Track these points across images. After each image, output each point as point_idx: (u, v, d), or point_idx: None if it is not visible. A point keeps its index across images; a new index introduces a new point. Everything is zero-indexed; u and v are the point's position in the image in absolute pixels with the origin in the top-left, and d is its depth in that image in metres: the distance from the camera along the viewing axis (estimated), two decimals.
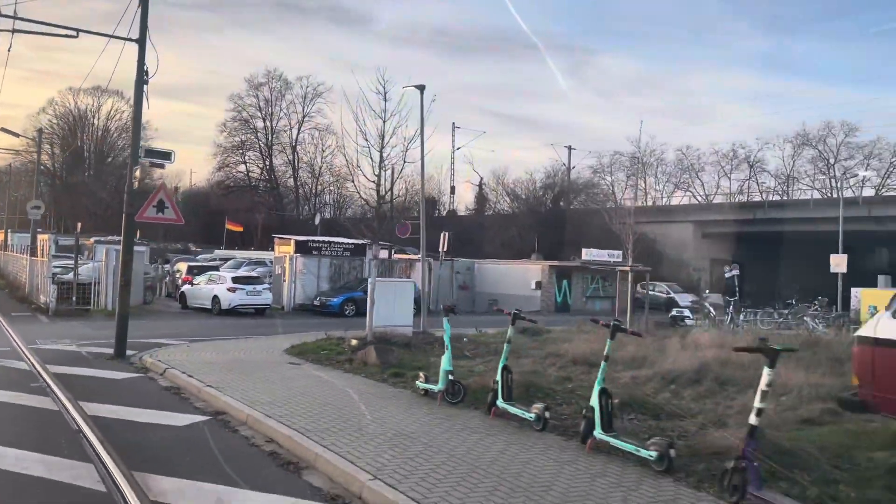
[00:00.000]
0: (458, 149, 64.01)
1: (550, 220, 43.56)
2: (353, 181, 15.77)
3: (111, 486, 5.60)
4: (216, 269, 28.43)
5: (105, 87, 64.40)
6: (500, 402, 8.06)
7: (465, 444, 6.93)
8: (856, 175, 46.23)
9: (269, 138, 65.14)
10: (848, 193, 40.57)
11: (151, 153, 13.43)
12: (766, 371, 5.36)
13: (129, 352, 13.36)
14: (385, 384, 10.36)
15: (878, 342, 6.62)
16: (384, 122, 14.08)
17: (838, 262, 29.43)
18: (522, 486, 5.66)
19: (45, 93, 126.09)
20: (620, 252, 30.38)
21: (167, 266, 34.48)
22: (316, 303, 25.76)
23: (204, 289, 24.74)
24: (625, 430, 7.20)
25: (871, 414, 6.87)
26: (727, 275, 34.26)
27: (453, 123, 66.16)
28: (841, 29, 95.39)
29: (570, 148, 62.12)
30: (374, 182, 14.42)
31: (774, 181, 67.51)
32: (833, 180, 61.96)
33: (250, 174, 66.60)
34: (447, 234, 29.50)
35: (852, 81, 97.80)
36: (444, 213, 62.02)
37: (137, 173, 13.41)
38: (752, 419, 5.41)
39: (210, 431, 7.76)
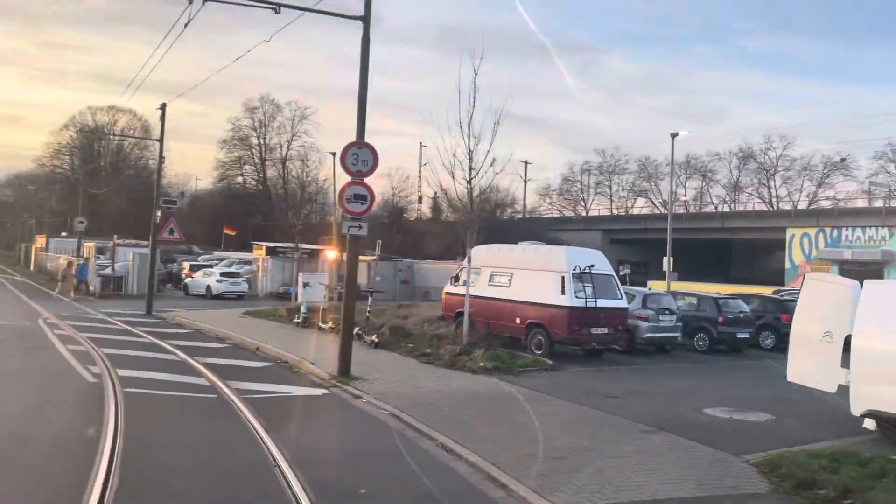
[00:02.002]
0: (426, 164, 74.78)
1: (484, 228, 54.58)
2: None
3: (215, 387, 16.48)
4: (211, 266, 39.28)
5: (119, 106, 75.59)
6: (320, 323, 18.93)
7: (301, 333, 17.85)
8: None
9: (263, 154, 76.18)
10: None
11: (168, 201, 24.42)
12: (369, 300, 16.28)
13: (153, 313, 24.40)
14: (290, 326, 21.23)
15: (447, 293, 17.59)
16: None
17: (666, 262, 40.17)
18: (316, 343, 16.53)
19: (53, 92, 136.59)
20: None
21: (173, 265, 45.39)
22: (280, 290, 36.62)
23: (200, 280, 35.68)
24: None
25: (443, 320, 17.84)
26: (621, 273, 45.58)
27: (420, 143, 76.89)
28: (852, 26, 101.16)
29: (526, 163, 73.08)
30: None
31: (724, 190, 78.53)
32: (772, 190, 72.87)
33: (246, 185, 77.62)
34: (379, 241, 40.31)
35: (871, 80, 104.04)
36: (411, 219, 72.85)
37: (159, 213, 24.39)
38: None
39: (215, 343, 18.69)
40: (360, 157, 12.45)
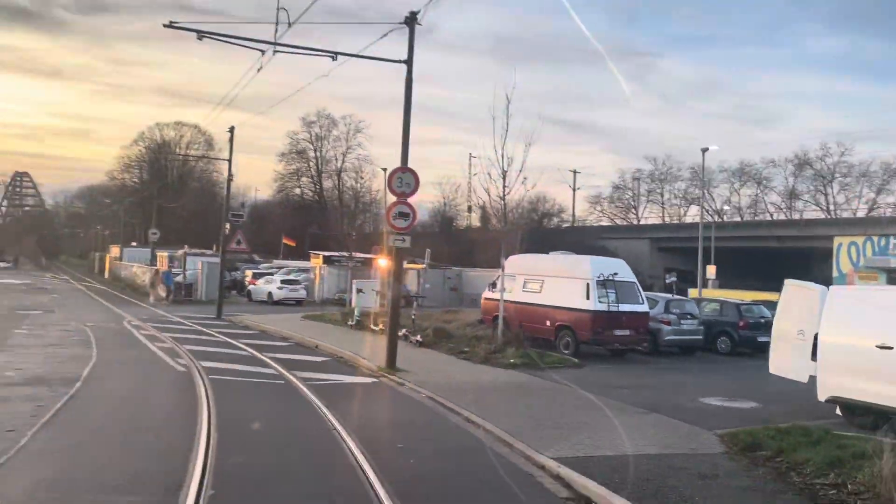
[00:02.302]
0: (475, 175, 76.91)
1: (529, 237, 56.21)
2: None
3: (283, 376, 18.93)
4: (272, 274, 42.12)
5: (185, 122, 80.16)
6: (372, 325, 21.11)
7: (363, 334, 20.08)
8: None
9: (319, 166, 79.52)
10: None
11: (235, 214, 27.07)
12: (414, 307, 18.35)
13: (223, 317, 27.05)
14: (344, 328, 23.49)
15: (485, 298, 19.54)
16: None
17: (711, 271, 41.08)
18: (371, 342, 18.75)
19: (119, 106, 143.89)
20: None
21: (236, 272, 48.55)
22: (336, 297, 39.14)
23: (262, 287, 38.49)
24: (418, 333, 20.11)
25: (482, 323, 19.74)
26: (667, 281, 46.87)
27: (470, 154, 78.98)
28: None
29: (574, 171, 74.53)
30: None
31: (779, 197, 78.11)
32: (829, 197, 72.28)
33: (303, 196, 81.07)
34: (429, 250, 42.48)
35: None
36: (461, 228, 74.94)
37: (227, 226, 27.06)
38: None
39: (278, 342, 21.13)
40: (403, 180, 14.58)
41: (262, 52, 14.24)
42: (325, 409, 10.56)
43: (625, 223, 73.29)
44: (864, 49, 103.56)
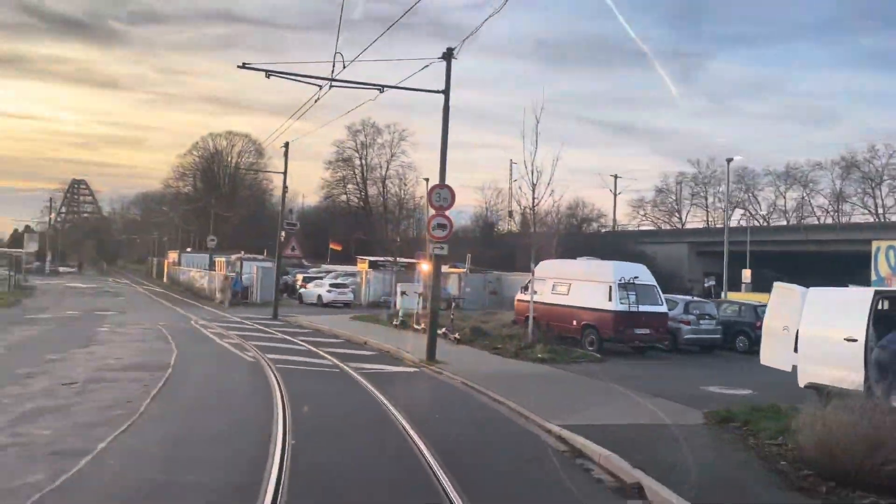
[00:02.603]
0: (515, 181, 78.71)
1: (566, 242, 57.74)
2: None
3: (338, 365, 21.32)
4: (321, 278, 44.71)
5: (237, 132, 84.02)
6: (415, 325, 23.27)
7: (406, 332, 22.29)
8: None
9: (364, 174, 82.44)
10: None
11: (290, 223, 29.59)
12: (452, 307, 20.44)
13: (278, 317, 29.59)
14: (390, 327, 25.72)
15: (518, 300, 21.52)
16: None
17: (746, 275, 42.17)
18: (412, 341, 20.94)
19: (170, 115, 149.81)
20: None
21: (286, 276, 51.44)
22: (381, 300, 41.50)
23: (312, 290, 41.07)
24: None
25: (516, 324, 21.70)
26: (706, 284, 48.13)
27: (511, 160, 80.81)
28: None
29: (615, 176, 75.84)
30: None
31: (826, 200, 77.75)
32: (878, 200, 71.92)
33: (349, 203, 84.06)
34: (469, 255, 44.56)
35: None
36: (503, 232, 76.82)
37: (283, 234, 29.58)
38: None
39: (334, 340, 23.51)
40: (441, 195, 16.71)
41: (320, 87, 16.54)
42: (374, 390, 12.72)
43: (668, 227, 74.20)
44: None
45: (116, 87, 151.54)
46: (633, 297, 19.49)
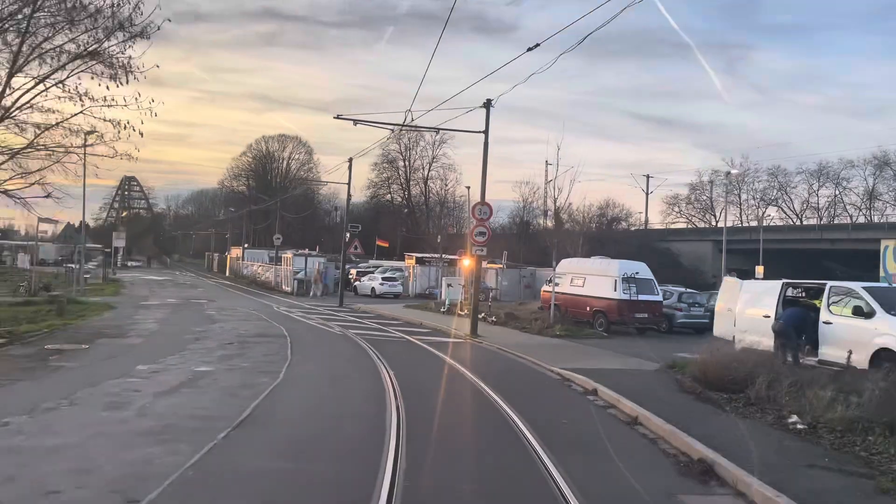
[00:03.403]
0: (550, 181, 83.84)
1: (596, 239, 62.73)
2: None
3: (404, 337, 27.20)
4: (372, 272, 50.71)
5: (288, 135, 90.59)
6: (459, 311, 28.93)
7: (450, 315, 28.01)
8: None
9: (408, 174, 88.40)
10: None
11: (353, 226, 35.52)
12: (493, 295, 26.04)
13: (343, 306, 35.58)
14: (438, 313, 31.42)
15: (543, 291, 27.05)
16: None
17: (759, 271, 46.86)
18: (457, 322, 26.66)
19: (216, 112, 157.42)
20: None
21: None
22: (426, 292, 47.31)
23: (366, 283, 47.08)
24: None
25: (542, 310, 27.23)
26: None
27: (546, 161, 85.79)
28: None
29: (647, 176, 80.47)
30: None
31: (859, 198, 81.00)
32: None
33: (393, 202, 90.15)
34: (505, 252, 50.07)
35: None
36: (539, 229, 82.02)
37: (347, 235, 35.46)
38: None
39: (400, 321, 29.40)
40: (482, 210, 22.33)
41: (392, 130, 22.32)
42: (435, 351, 18.40)
43: (703, 224, 78.47)
44: None
45: (164, 85, 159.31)
46: (634, 289, 24.83)
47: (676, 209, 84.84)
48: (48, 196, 18.98)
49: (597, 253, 32.48)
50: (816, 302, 16.02)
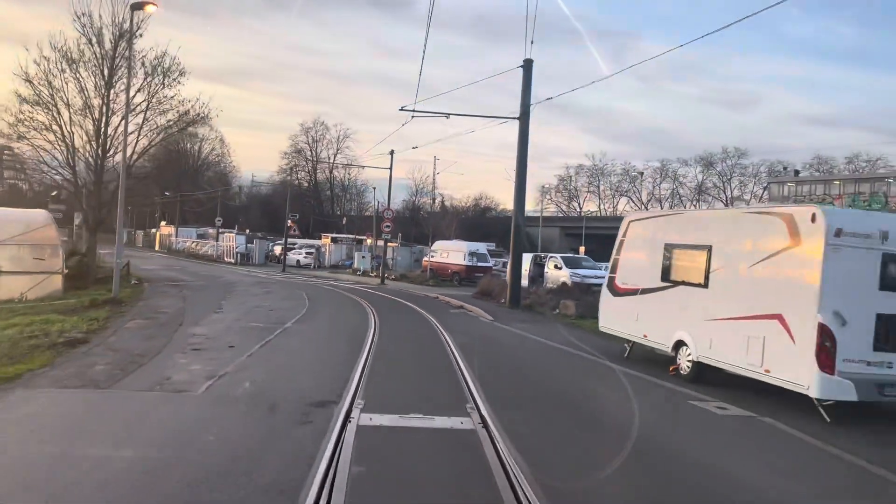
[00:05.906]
0: (439, 173, 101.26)
1: (470, 223, 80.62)
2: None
3: (334, 286, 43.28)
4: (293, 248, 65.95)
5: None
6: (370, 274, 45.53)
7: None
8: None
9: (315, 163, 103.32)
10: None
11: (292, 215, 51.09)
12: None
13: (285, 272, 51.43)
14: (354, 275, 47.86)
15: (424, 261, 44.34)
16: None
17: (582, 250, 66.08)
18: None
19: None
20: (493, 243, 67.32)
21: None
22: (339, 263, 63.40)
23: (292, 256, 62.39)
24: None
25: (423, 273, 44.53)
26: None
27: (434, 157, 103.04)
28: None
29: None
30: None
31: (691, 192, 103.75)
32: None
33: (301, 186, 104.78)
34: (400, 234, 66.96)
35: None
36: (427, 212, 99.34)
37: (289, 222, 50.92)
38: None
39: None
40: (388, 214, 38.93)
41: (403, 122, 38.22)
42: (365, 290, 34.94)
43: (570, 212, 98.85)
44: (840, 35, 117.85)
45: None
46: (475, 259, 42.33)
47: (548, 197, 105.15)
48: None
49: (470, 235, 49.87)
50: (548, 263, 33.97)
